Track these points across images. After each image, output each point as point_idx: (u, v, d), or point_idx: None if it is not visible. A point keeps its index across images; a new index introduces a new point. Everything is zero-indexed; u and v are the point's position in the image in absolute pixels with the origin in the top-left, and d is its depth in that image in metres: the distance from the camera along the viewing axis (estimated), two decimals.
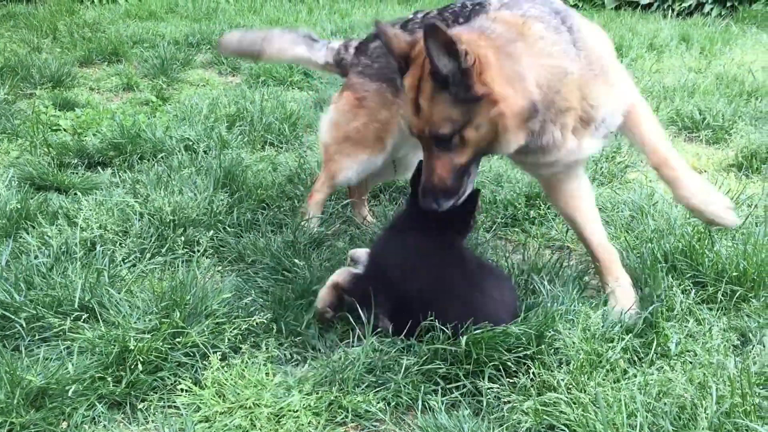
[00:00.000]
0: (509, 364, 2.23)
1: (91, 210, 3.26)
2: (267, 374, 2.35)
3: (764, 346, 2.22)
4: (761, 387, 2.08)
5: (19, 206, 3.27)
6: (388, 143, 3.22)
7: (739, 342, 2.46)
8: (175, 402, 2.23)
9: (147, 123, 4.78)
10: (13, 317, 2.48)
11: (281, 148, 4.76)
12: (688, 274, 2.84)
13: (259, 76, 6.59)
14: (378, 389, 2.30)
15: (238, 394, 2.24)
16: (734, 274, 2.78)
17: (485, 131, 2.30)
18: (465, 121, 2.27)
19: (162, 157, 4.24)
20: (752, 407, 1.96)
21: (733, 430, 1.89)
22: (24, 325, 2.45)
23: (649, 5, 12.78)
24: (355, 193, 3.65)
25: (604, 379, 2.11)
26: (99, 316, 2.51)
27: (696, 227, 3.05)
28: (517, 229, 3.59)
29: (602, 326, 2.33)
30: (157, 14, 10.11)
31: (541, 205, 3.67)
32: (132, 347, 2.28)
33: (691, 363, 2.22)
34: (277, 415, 2.17)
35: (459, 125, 2.28)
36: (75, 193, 3.63)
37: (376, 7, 11.81)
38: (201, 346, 2.41)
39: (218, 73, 7.07)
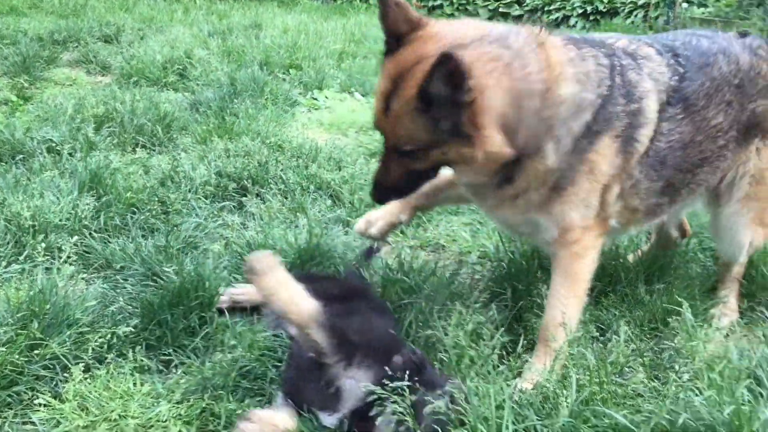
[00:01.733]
0: None
1: None
2: (134, 384, 2.25)
3: (620, 337, 2.36)
4: (617, 375, 2.21)
5: None
6: None
7: (598, 333, 2.60)
8: (32, 418, 2.09)
9: (5, 123, 4.48)
10: None
11: (154, 150, 4.59)
12: None
13: (131, 76, 6.34)
14: (255, 396, 2.26)
15: (103, 406, 2.13)
16: None
17: (450, 158, 2.18)
18: (433, 144, 2.13)
19: (21, 159, 3.97)
20: (609, 394, 2.08)
21: (592, 417, 1.99)
22: None
23: (520, 17, 13.39)
24: None
25: (477, 375, 2.17)
26: None
27: None
28: (396, 231, 3.63)
29: (475, 323, 2.40)
30: (19, 9, 9.51)
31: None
32: None
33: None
34: (145, 426, 2.09)
35: (425, 146, 2.14)
36: None
37: (255, 9, 11.66)
38: (62, 357, 2.29)
39: (86, 73, 6.75)
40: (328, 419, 2.07)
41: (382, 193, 2.39)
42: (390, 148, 2.24)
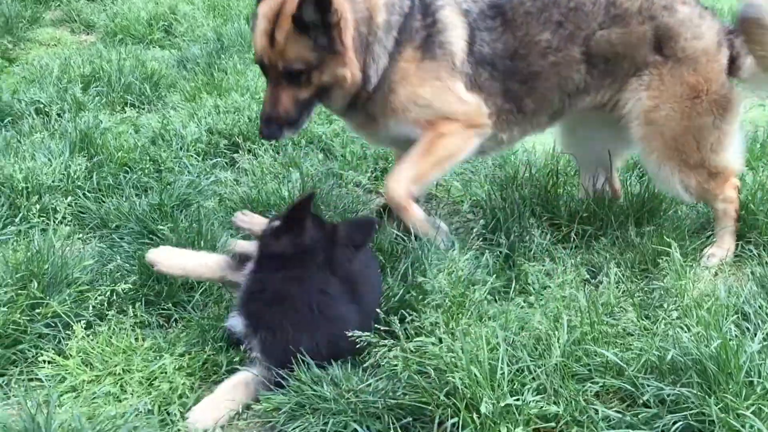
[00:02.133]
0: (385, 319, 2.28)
1: None
2: (136, 339, 2.29)
3: (610, 279, 2.41)
4: (607, 315, 2.26)
5: None
6: None
7: (589, 276, 2.65)
8: (37, 374, 2.14)
9: None
10: None
11: (143, 109, 4.57)
12: (545, 217, 3.02)
13: (115, 34, 6.26)
14: None
15: (106, 361, 2.18)
16: (585, 215, 2.98)
17: (327, 80, 2.61)
18: (316, 65, 2.57)
19: (10, 122, 3.95)
20: (600, 334, 2.13)
21: (583, 355, 2.05)
22: None
23: None
24: None
25: (469, 319, 2.22)
26: None
27: (550, 173, 3.23)
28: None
29: (467, 270, 2.44)
30: None
31: None
32: None
33: (546, 298, 2.37)
34: (149, 379, 2.14)
35: (309, 67, 2.57)
36: None
37: None
38: (63, 315, 2.32)
39: (71, 32, 6.66)
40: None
41: (272, 128, 2.67)
42: (277, 76, 2.61)
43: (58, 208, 2.96)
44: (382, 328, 2.16)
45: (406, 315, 2.29)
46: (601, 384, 2.00)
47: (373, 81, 2.72)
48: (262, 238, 2.41)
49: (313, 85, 2.62)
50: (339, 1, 2.53)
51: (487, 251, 2.69)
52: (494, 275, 2.53)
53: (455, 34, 2.77)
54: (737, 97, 2.85)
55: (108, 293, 2.42)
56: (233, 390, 2.10)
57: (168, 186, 3.28)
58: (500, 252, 2.74)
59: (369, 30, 2.68)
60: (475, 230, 2.82)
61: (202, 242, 2.72)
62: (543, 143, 4.03)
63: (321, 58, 2.56)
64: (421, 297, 2.36)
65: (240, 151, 3.83)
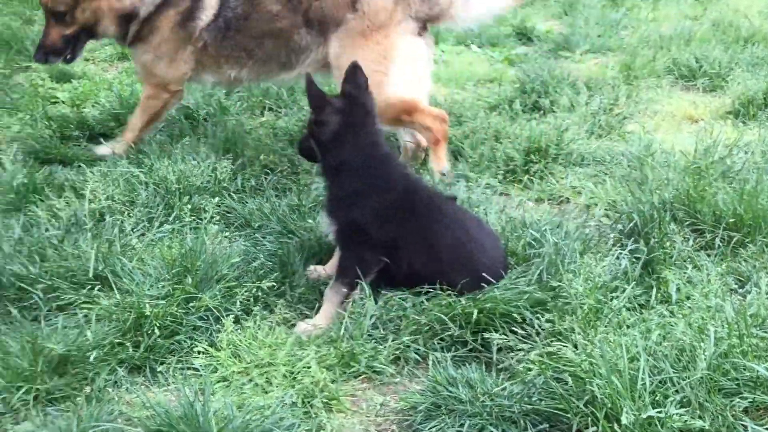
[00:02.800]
0: (515, 316, 2.30)
1: (97, 181, 3.30)
2: (281, 334, 2.42)
3: (760, 289, 2.29)
4: (758, 328, 2.14)
5: (25, 180, 3.31)
6: None
7: (736, 286, 2.53)
8: (193, 364, 2.30)
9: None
10: (30, 288, 2.54)
11: (280, 112, 4.78)
12: (687, 222, 2.90)
13: None
14: (386, 344, 2.37)
15: (254, 354, 2.31)
16: (731, 220, 2.84)
17: (87, 16, 3.46)
18: (75, 4, 3.39)
19: (163, 127, 4.26)
20: (749, 347, 2.03)
21: (731, 369, 1.96)
22: (41, 296, 2.52)
23: None
24: None
25: (607, 327, 2.18)
26: (113, 285, 2.56)
27: (694, 177, 3.10)
28: (517, 184, 3.63)
29: (605, 276, 2.39)
30: None
31: (540, 160, 3.71)
32: (148, 313, 2.35)
33: (689, 308, 2.28)
34: (293, 373, 2.25)
35: (70, 7, 3.39)
36: (79, 165, 3.65)
37: None
38: (214, 309, 2.48)
39: None
40: None
41: (42, 54, 3.53)
42: (48, 15, 3.43)
43: (206, 208, 3.15)
44: (517, 330, 2.17)
45: (540, 318, 2.29)
46: (750, 399, 1.91)
47: (143, 10, 3.59)
48: None
49: (76, 23, 3.50)
50: None
51: (624, 257, 2.62)
52: (633, 282, 2.46)
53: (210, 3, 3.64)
54: (404, 44, 3.54)
55: (254, 290, 2.57)
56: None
57: (305, 187, 3.43)
58: (638, 258, 2.66)
59: None
60: (611, 235, 2.75)
61: None
62: (682, 143, 3.87)
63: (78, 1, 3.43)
64: (555, 301, 2.35)
65: None
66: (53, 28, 3.47)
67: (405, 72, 3.54)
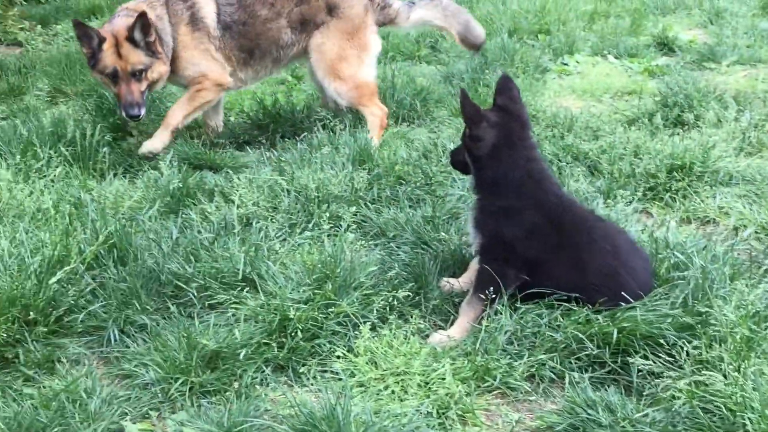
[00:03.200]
0: (658, 339, 2.22)
1: (243, 188, 3.50)
2: (415, 344, 2.46)
3: None
4: None
5: (180, 185, 3.56)
6: None
7: None
8: (332, 367, 2.39)
9: (285, 102, 5.03)
10: (185, 287, 2.74)
11: (413, 123, 4.85)
12: None
13: (387, 51, 6.68)
14: (521, 360, 2.36)
15: (389, 362, 2.37)
16: None
17: (155, 75, 4.12)
18: (148, 66, 4.05)
19: (303, 136, 4.44)
20: None
21: None
22: (195, 294, 2.71)
23: None
24: None
25: (760, 359, 2.07)
26: (259, 287, 2.71)
27: None
28: (658, 203, 3.50)
29: (758, 304, 2.27)
30: None
31: (684, 178, 3.56)
32: (292, 316, 2.47)
33: None
34: (427, 383, 2.29)
35: (146, 67, 4.04)
36: (227, 172, 3.89)
37: None
38: (352, 316, 2.57)
39: None
40: None
41: (137, 108, 4.03)
42: (128, 76, 4.00)
43: (344, 216, 3.26)
44: (660, 354, 2.10)
45: (686, 344, 2.21)
46: None
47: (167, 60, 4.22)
48: None
49: (146, 80, 4.09)
50: (152, 22, 4.06)
51: None
52: None
53: (208, 9, 4.29)
54: (373, 42, 4.57)
55: (389, 299, 2.64)
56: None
57: (440, 199, 3.47)
58: None
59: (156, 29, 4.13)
60: (766, 261, 2.60)
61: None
62: None
63: (150, 62, 4.07)
64: (703, 328, 2.25)
65: None
66: (134, 85, 4.01)
67: (372, 63, 4.62)
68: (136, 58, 4.02)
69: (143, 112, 4.10)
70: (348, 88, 4.46)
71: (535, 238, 2.53)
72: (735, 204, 3.38)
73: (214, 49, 4.35)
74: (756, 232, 3.13)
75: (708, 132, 4.16)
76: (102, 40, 3.99)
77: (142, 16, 3.95)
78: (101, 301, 2.71)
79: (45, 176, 3.76)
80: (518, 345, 2.43)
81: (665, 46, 6.64)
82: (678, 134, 4.19)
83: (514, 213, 2.55)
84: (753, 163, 3.80)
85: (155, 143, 4.19)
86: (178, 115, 4.30)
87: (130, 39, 3.98)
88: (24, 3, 9.38)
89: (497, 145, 2.56)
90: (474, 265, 2.76)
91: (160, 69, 4.12)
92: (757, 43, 6.37)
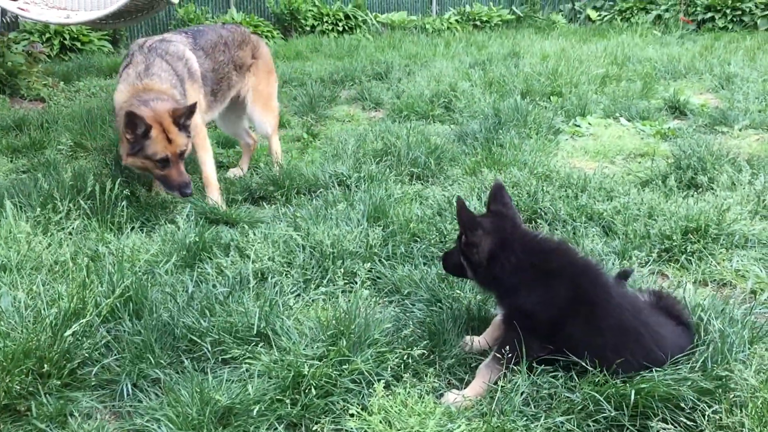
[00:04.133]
0: (681, 405, 2.19)
1: (259, 243, 3.52)
2: (429, 403, 2.43)
3: None
4: None
5: (197, 239, 3.59)
6: None
7: None
8: (345, 426, 2.36)
9: (300, 159, 5.10)
10: (199, 341, 2.73)
11: (427, 181, 4.90)
12: None
13: (401, 110, 6.82)
14: (538, 422, 2.33)
15: (404, 421, 2.34)
16: None
17: (189, 150, 4.34)
18: (188, 144, 4.24)
19: (318, 192, 4.49)
20: None
21: None
22: (209, 348, 2.70)
23: None
24: None
25: None
26: (272, 343, 2.70)
27: None
28: (673, 264, 3.49)
29: None
30: (303, 54, 10.70)
31: (699, 240, 3.55)
32: (306, 372, 2.45)
33: None
34: None
35: (187, 147, 4.23)
36: (243, 227, 3.92)
37: (512, 37, 11.85)
38: (366, 373, 2.55)
39: (362, 109, 7.38)
40: None
41: (190, 187, 4.18)
42: (177, 159, 4.15)
43: (358, 273, 3.27)
44: (680, 418, 2.06)
45: (706, 409, 2.17)
46: None
47: None
48: None
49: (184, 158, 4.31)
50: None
51: None
52: None
53: (194, 62, 4.64)
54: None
55: (404, 356, 2.62)
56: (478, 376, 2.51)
57: None
58: None
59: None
60: None
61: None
62: None
63: (189, 141, 4.27)
64: (722, 392, 2.21)
65: None
66: (181, 166, 4.19)
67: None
68: (182, 140, 4.16)
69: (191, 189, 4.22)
70: (275, 120, 5.27)
71: (551, 306, 2.52)
72: (752, 267, 3.36)
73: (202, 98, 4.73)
74: None
75: (722, 195, 4.18)
76: (149, 127, 4.01)
77: (194, 106, 4.17)
78: (115, 355, 2.70)
79: (63, 229, 3.80)
80: (535, 406, 2.39)
81: (677, 109, 6.74)
82: (692, 196, 4.21)
83: (525, 289, 2.56)
84: None
85: (219, 200, 4.46)
86: (212, 170, 4.58)
87: (177, 123, 4.10)
88: (48, 60, 9.66)
89: (493, 251, 2.61)
90: (497, 322, 2.75)
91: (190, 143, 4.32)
92: None
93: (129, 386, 2.56)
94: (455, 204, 2.70)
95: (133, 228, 3.98)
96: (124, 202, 4.11)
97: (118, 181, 4.24)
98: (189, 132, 4.21)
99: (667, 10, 14.79)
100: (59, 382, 2.55)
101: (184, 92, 4.47)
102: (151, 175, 4.32)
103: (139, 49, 4.47)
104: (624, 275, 2.96)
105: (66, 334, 2.64)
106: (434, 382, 2.58)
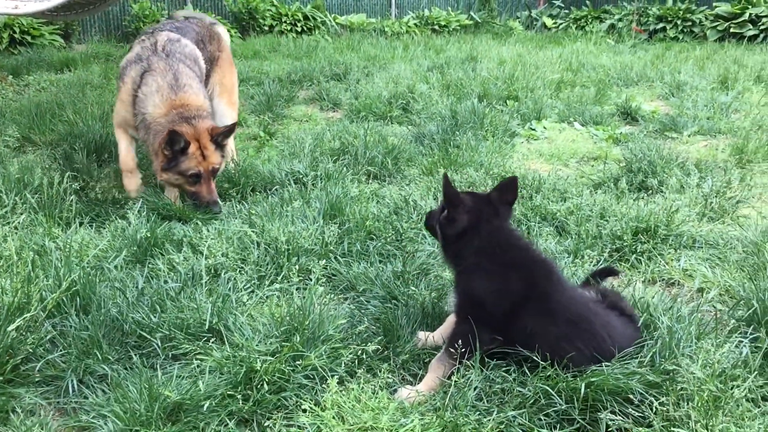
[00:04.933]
0: (630, 397, 2.22)
1: (213, 239, 3.47)
2: (383, 399, 2.42)
3: None
4: None
5: (148, 234, 3.51)
6: None
7: None
8: (298, 422, 2.33)
9: (257, 157, 5.05)
10: (149, 337, 2.67)
11: (384, 181, 4.90)
12: None
13: (359, 111, 6.81)
14: (490, 417, 2.33)
15: (357, 417, 2.32)
16: None
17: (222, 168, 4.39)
18: (221, 163, 4.28)
19: (274, 189, 4.45)
20: None
21: None
22: (159, 344, 2.64)
23: (755, 37, 12.40)
24: None
25: (727, 417, 2.08)
26: (225, 339, 2.66)
27: None
28: (624, 263, 3.55)
29: (724, 364, 2.29)
30: (261, 53, 10.61)
31: (649, 240, 3.63)
32: (258, 368, 2.42)
33: None
34: None
35: (219, 165, 4.25)
36: (196, 223, 3.86)
37: (470, 42, 11.95)
38: (320, 369, 2.52)
39: (320, 109, 7.35)
40: None
41: (215, 204, 4.15)
42: (209, 175, 4.16)
43: (313, 270, 3.24)
44: (630, 411, 2.09)
45: (653, 401, 2.21)
46: None
47: None
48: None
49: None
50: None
51: (745, 346, 2.50)
52: (754, 372, 2.34)
53: (202, 62, 4.78)
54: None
55: (358, 352, 2.61)
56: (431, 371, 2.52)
57: (410, 255, 3.48)
58: (758, 347, 2.53)
59: None
60: (731, 322, 2.64)
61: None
62: None
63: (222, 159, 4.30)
64: (670, 385, 2.25)
65: None
66: (212, 183, 4.18)
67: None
68: (217, 158, 4.19)
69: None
70: (236, 114, 5.30)
71: (503, 296, 2.54)
72: (699, 266, 3.44)
73: None
74: (720, 294, 3.18)
75: (671, 197, 4.28)
76: (188, 144, 4.05)
77: (234, 126, 4.33)
78: (61, 350, 2.63)
79: (9, 223, 3.69)
80: (487, 401, 2.40)
81: (628, 115, 6.88)
82: (642, 198, 4.30)
83: (481, 274, 2.59)
84: (715, 228, 3.90)
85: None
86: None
87: (215, 142, 4.15)
88: None
89: (465, 229, 2.65)
90: (451, 319, 2.76)
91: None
92: (717, 115, 6.63)
93: (75, 382, 2.49)
94: (441, 179, 2.76)
95: (81, 223, 3.89)
96: (72, 197, 4.01)
97: (66, 176, 4.13)
98: (224, 151, 4.26)
99: (620, 20, 15.12)
100: (1, 378, 2.46)
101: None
102: (184, 191, 4.26)
103: (155, 53, 4.40)
104: (607, 273, 3.03)
105: (9, 329, 2.55)
106: (388, 377, 2.57)
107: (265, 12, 13.73)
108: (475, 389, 2.41)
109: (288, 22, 13.98)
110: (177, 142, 3.99)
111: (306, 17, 14.26)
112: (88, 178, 4.54)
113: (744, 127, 6.11)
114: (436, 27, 15.74)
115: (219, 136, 4.15)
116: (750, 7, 12.90)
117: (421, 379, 2.56)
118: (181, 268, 3.23)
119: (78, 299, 2.89)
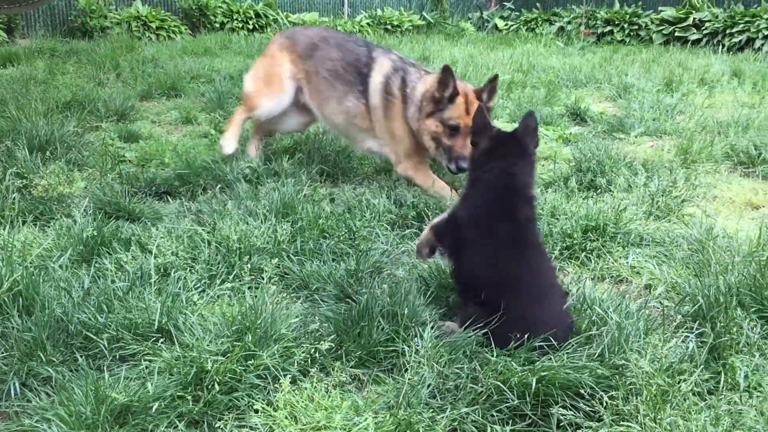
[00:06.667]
0: (581, 392, 2.25)
1: (162, 237, 3.40)
2: (336, 398, 2.41)
3: None
4: None
5: (95, 233, 3.42)
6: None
7: None
8: (250, 422, 2.30)
9: (208, 155, 4.96)
10: (95, 338, 2.60)
11: (337, 180, 4.87)
12: (754, 308, 2.83)
13: None
14: (444, 414, 2.34)
15: (310, 416, 2.30)
16: None
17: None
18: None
19: (224, 187, 4.38)
20: None
21: None
22: (106, 345, 2.57)
23: (698, 41, 12.76)
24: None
25: (675, 411, 2.12)
26: (175, 339, 2.61)
27: (761, 263, 3.04)
28: (573, 261, 3.61)
29: (672, 358, 2.34)
30: (212, 51, 10.46)
31: (598, 238, 3.69)
32: (209, 368, 2.37)
33: (760, 395, 2.21)
34: None
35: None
36: (145, 222, 3.77)
37: (423, 42, 12.00)
38: (272, 369, 2.49)
39: None
40: None
41: (464, 160, 4.22)
42: (466, 132, 4.09)
43: (265, 269, 3.20)
44: (580, 406, 2.12)
45: (603, 395, 2.24)
46: None
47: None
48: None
49: None
50: None
51: (691, 340, 2.56)
52: (700, 366, 2.40)
53: None
54: None
55: (311, 351, 2.58)
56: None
57: (363, 254, 3.46)
58: (704, 342, 2.60)
59: None
60: (677, 317, 2.70)
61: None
62: (744, 229, 3.82)
63: None
64: (619, 379, 2.30)
65: (427, 223, 3.96)
66: (467, 140, 3.87)
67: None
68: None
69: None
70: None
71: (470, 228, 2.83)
72: (646, 264, 3.52)
73: None
74: (666, 291, 3.25)
75: (619, 196, 4.36)
76: (456, 93, 4.22)
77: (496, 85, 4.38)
78: (2, 352, 2.53)
79: None
80: (441, 398, 2.41)
81: (578, 116, 7.00)
82: (591, 197, 4.37)
83: (467, 201, 2.96)
84: (662, 226, 3.99)
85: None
86: None
87: (480, 100, 4.24)
88: None
89: (479, 156, 2.97)
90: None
91: None
92: (662, 116, 6.80)
93: (17, 385, 2.41)
94: (475, 111, 3.06)
95: (25, 222, 3.76)
96: (15, 195, 3.88)
97: (9, 173, 4.00)
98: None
99: (569, 23, 15.40)
100: None
101: None
102: (435, 145, 4.38)
103: (395, 72, 4.64)
104: None
105: None
106: (341, 376, 2.56)
107: (216, 9, 13.55)
108: (428, 387, 2.41)
109: (239, 19, 13.83)
110: (448, 84, 4.19)
111: (258, 15, 14.13)
112: (32, 175, 4.40)
113: (688, 128, 6.28)
114: (389, 27, 15.77)
115: (483, 95, 4.26)
116: (694, 12, 13.29)
117: (375, 380, 2.54)
118: (130, 267, 3.15)
119: (21, 299, 2.79)
